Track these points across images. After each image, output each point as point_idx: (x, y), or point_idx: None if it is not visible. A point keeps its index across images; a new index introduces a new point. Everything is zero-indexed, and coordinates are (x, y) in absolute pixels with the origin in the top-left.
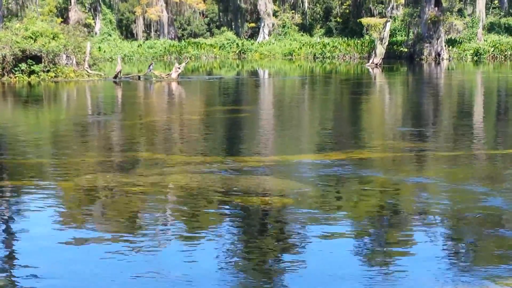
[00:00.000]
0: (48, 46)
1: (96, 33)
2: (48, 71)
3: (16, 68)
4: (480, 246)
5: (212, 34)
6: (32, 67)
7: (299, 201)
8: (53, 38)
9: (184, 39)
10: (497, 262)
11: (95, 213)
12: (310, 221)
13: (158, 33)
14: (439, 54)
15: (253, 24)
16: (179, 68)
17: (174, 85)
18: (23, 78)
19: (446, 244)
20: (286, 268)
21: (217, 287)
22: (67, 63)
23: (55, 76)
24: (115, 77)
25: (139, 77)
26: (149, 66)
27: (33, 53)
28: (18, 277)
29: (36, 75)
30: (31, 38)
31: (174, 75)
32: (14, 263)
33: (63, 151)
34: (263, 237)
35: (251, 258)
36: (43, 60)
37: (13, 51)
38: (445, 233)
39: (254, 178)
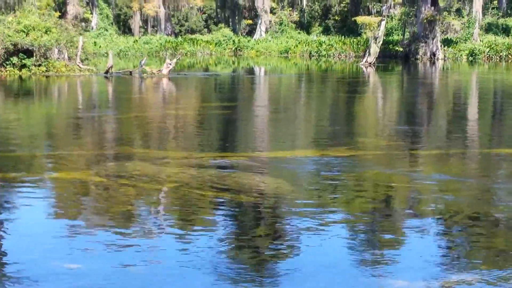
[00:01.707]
0: (40, 40)
1: (92, 28)
2: (39, 65)
3: (7, 62)
4: (474, 243)
5: (209, 31)
6: (23, 60)
7: (292, 196)
8: (46, 32)
9: (181, 35)
10: (492, 258)
11: (87, 207)
12: (303, 216)
13: (155, 28)
14: (434, 54)
15: (250, 21)
16: (170, 64)
17: (164, 81)
18: (14, 71)
19: (440, 239)
20: (279, 262)
21: (209, 281)
22: (58, 58)
23: (46, 70)
24: (106, 72)
25: (130, 72)
26: (141, 61)
27: (24, 47)
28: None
29: (27, 69)
30: (23, 32)
31: (165, 71)
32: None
33: (54, 145)
34: (256, 232)
35: (243, 252)
36: (34, 54)
37: (5, 45)
38: (439, 228)
39: (248, 174)
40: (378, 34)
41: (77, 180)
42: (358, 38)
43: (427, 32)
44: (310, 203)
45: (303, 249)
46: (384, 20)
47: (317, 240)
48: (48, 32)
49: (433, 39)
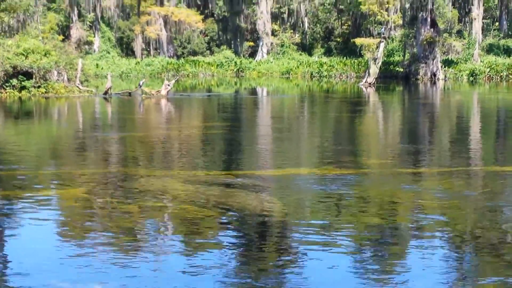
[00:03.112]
0: (39, 62)
1: (95, 50)
2: (38, 86)
3: (7, 84)
4: (480, 260)
5: (212, 53)
6: (23, 82)
7: (295, 215)
8: (45, 55)
9: (184, 57)
10: (496, 271)
11: (93, 224)
12: (307, 234)
13: (158, 51)
14: (434, 74)
15: (252, 43)
16: (168, 85)
17: (163, 101)
18: (13, 93)
19: (445, 258)
20: (282, 279)
21: None
22: (58, 79)
23: (45, 92)
24: (105, 93)
25: (129, 93)
26: (140, 83)
27: (24, 69)
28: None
29: (26, 90)
30: (23, 54)
31: (163, 92)
32: (11, 275)
33: (57, 164)
34: (262, 250)
35: (248, 271)
36: (34, 76)
37: (4, 67)
38: (444, 246)
39: (252, 192)
40: (377, 55)
41: (81, 198)
42: (360, 59)
43: (427, 53)
44: (315, 221)
45: (309, 267)
46: (383, 41)
47: (322, 258)
48: (48, 55)
49: (433, 59)
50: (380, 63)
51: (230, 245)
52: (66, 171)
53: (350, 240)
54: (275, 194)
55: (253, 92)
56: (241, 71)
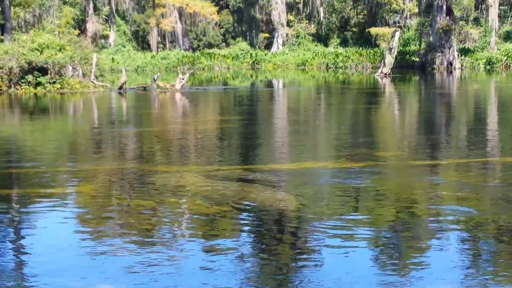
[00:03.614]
0: (54, 58)
1: (110, 45)
2: (54, 82)
3: (22, 80)
4: (498, 254)
5: (227, 45)
6: (38, 78)
7: (312, 209)
8: (60, 50)
9: (199, 50)
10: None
11: (109, 221)
12: (324, 228)
13: (173, 44)
14: (451, 63)
15: (267, 35)
16: (183, 79)
17: (178, 95)
18: (29, 89)
19: (463, 252)
20: (301, 275)
21: None
22: (73, 75)
23: (61, 88)
24: (120, 88)
25: (144, 88)
26: (154, 77)
27: (39, 65)
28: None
29: (42, 86)
30: (38, 50)
31: (178, 86)
32: (25, 272)
33: (74, 161)
34: (278, 246)
35: (265, 265)
36: (49, 71)
37: (20, 63)
38: (461, 240)
39: (269, 186)
40: (392, 44)
41: (97, 195)
42: (375, 49)
43: (443, 42)
44: (332, 215)
45: (327, 261)
46: (398, 30)
47: (340, 252)
48: (62, 50)
49: (449, 48)
50: (395, 52)
51: (247, 240)
52: (82, 167)
53: (367, 234)
54: (292, 189)
55: (269, 84)
56: (256, 63)
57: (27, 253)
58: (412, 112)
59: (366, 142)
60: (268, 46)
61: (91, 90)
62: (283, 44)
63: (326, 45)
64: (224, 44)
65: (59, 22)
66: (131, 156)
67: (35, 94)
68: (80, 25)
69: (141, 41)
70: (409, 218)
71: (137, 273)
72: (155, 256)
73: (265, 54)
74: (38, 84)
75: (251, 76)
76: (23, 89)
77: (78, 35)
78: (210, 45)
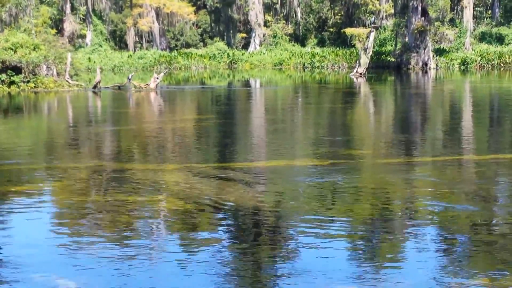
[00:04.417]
0: (28, 57)
1: (87, 44)
2: (28, 81)
3: None
4: (473, 246)
5: (205, 45)
6: (12, 77)
7: (290, 206)
8: (34, 49)
9: (177, 49)
10: (489, 260)
11: (86, 219)
12: (300, 224)
13: (151, 43)
14: (426, 64)
15: (245, 35)
16: (157, 78)
17: (152, 95)
18: (3, 88)
19: (437, 246)
20: (281, 272)
21: None
22: (47, 74)
23: (35, 87)
24: (94, 87)
25: (119, 87)
26: (129, 76)
27: (13, 64)
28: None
29: (16, 85)
30: (11, 49)
31: (152, 85)
32: (4, 269)
33: (50, 158)
34: (254, 241)
35: (242, 261)
36: (23, 70)
37: None
38: (437, 235)
39: (246, 184)
40: (367, 45)
41: (75, 192)
42: (352, 49)
43: (418, 42)
44: (309, 212)
45: (304, 257)
46: (373, 31)
47: (317, 248)
48: (36, 49)
49: (424, 49)
50: (370, 53)
51: (225, 238)
52: (59, 165)
53: (344, 230)
54: (269, 186)
55: (246, 84)
56: (233, 63)
57: (1, 249)
58: (387, 111)
59: (342, 141)
60: (246, 46)
61: (66, 89)
62: (260, 44)
63: (303, 45)
64: (201, 44)
65: (36, 21)
66: (107, 154)
67: (9, 93)
68: (57, 24)
69: (119, 41)
70: (384, 214)
71: (113, 268)
72: (131, 252)
73: (242, 54)
74: (12, 83)
75: (228, 75)
76: None
77: (55, 35)
78: (188, 45)
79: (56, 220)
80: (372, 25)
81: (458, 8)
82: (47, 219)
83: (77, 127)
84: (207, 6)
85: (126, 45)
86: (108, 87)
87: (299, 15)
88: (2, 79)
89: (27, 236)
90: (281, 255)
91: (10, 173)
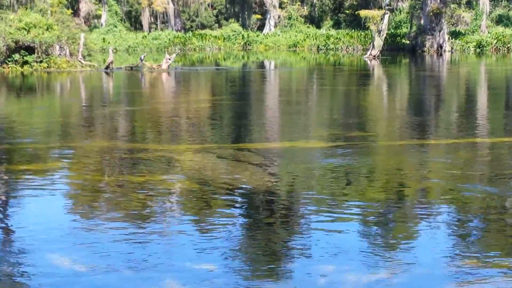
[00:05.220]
0: (41, 37)
1: (102, 25)
2: (41, 61)
3: (9, 59)
4: (486, 227)
5: (220, 26)
6: (25, 57)
7: (303, 188)
8: (47, 29)
9: (192, 31)
10: (503, 241)
11: (101, 199)
12: (315, 207)
13: (166, 24)
14: (441, 46)
15: (260, 16)
16: (169, 59)
17: (164, 75)
18: (16, 68)
19: (452, 229)
20: (293, 252)
21: (225, 271)
22: (60, 54)
23: (47, 67)
24: (107, 68)
25: (131, 68)
26: (141, 57)
27: (26, 44)
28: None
29: (29, 65)
30: (25, 29)
31: (164, 66)
32: (19, 250)
33: (64, 139)
34: (270, 222)
35: (255, 242)
36: (36, 50)
37: (6, 42)
38: (450, 218)
39: (260, 165)
40: (381, 27)
41: (89, 172)
42: (366, 31)
43: (433, 25)
44: (323, 194)
45: (316, 240)
46: (387, 13)
47: (330, 231)
48: (50, 29)
49: (439, 31)
50: (384, 35)
51: (238, 218)
52: (73, 145)
53: (357, 211)
54: (283, 167)
55: (261, 65)
56: (248, 44)
57: (17, 229)
58: (401, 93)
59: (356, 122)
60: (261, 27)
61: (78, 70)
62: (275, 26)
63: (318, 27)
64: (216, 25)
65: (52, 1)
66: (121, 134)
67: (22, 73)
68: (73, 4)
69: (134, 22)
70: (398, 195)
71: (128, 247)
72: (146, 231)
73: (257, 36)
74: (25, 63)
75: (243, 57)
76: (10, 68)
77: (71, 15)
78: (203, 26)
79: (69, 199)
80: (387, 7)
81: None
82: (61, 199)
83: (89, 107)
84: None
85: (141, 25)
86: (120, 68)
87: None
88: (15, 59)
89: (41, 216)
90: (293, 235)
91: (24, 152)
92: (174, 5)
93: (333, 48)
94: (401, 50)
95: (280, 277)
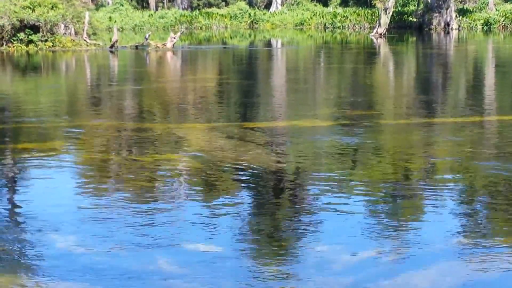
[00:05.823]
0: (46, 16)
1: (108, 3)
2: (45, 40)
3: (14, 38)
4: (494, 207)
5: (227, 4)
6: (30, 36)
7: (310, 167)
8: (52, 8)
9: (199, 9)
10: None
11: (108, 177)
12: (322, 184)
13: (173, 2)
14: (448, 24)
15: None
16: (174, 38)
17: (169, 54)
18: (21, 47)
19: (458, 209)
20: (299, 234)
21: (232, 251)
22: (65, 33)
23: (52, 46)
24: (111, 46)
25: (136, 46)
26: (146, 36)
27: (31, 23)
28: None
29: (34, 44)
30: (29, 8)
31: (169, 44)
32: (22, 228)
33: (70, 118)
34: (275, 203)
35: (262, 222)
36: (41, 29)
37: (11, 21)
38: (457, 194)
39: (266, 144)
40: (388, 5)
41: (97, 150)
42: (373, 9)
43: (440, 2)
44: (329, 173)
45: (323, 220)
46: None
47: (337, 211)
48: (54, 8)
49: (446, 9)
50: (391, 13)
51: (245, 196)
52: (81, 124)
53: (364, 190)
54: (290, 146)
55: (267, 44)
56: (255, 23)
57: (24, 209)
58: (408, 72)
59: (363, 101)
60: (267, 6)
61: (83, 48)
62: (282, 4)
63: (326, 5)
64: (223, 3)
65: None
66: (127, 113)
67: (27, 51)
68: None
69: (141, 0)
70: (404, 174)
71: (134, 229)
72: (153, 210)
73: (264, 14)
74: (30, 42)
75: (249, 35)
76: (15, 47)
77: None
78: (210, 5)
79: (77, 179)
80: None
81: None
82: (68, 178)
83: (95, 86)
84: None
85: (148, 4)
86: (125, 47)
87: None
88: (20, 38)
89: (49, 196)
90: (300, 214)
91: (31, 131)
92: None
93: (340, 26)
94: (408, 28)
95: (287, 258)
